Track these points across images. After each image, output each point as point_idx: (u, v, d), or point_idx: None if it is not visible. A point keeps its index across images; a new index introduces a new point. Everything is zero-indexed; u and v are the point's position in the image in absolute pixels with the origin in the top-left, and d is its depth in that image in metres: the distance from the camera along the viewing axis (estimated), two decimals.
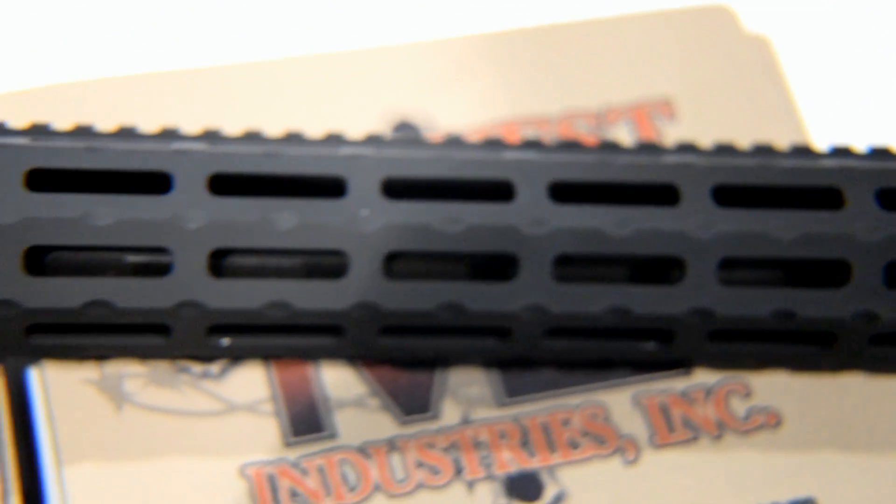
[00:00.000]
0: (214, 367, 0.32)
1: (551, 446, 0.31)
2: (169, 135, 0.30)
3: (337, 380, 0.32)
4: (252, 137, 0.30)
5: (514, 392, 0.32)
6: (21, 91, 0.34)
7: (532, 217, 0.29)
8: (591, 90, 0.37)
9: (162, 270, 0.29)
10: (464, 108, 0.37)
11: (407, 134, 0.36)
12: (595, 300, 0.30)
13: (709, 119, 0.37)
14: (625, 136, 0.36)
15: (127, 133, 0.30)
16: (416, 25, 0.41)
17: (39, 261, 0.29)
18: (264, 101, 0.36)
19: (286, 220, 0.29)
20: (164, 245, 0.28)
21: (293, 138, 0.31)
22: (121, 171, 0.29)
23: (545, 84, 0.37)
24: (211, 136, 0.30)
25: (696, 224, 0.30)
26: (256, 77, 0.37)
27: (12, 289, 0.28)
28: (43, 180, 0.29)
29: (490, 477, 0.31)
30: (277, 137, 0.30)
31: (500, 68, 0.38)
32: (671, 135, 0.37)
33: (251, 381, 0.32)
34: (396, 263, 0.30)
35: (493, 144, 0.31)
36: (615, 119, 0.37)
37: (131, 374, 0.31)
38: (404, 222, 0.29)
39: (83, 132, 0.30)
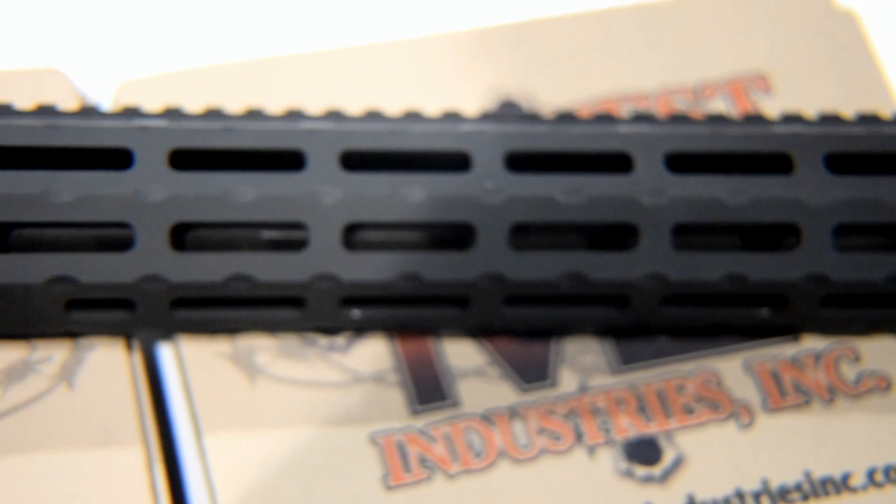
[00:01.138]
0: (340, 340, 0.33)
1: (667, 412, 0.32)
2: (296, 115, 0.31)
3: (457, 350, 0.33)
4: (375, 116, 0.31)
5: (628, 360, 0.33)
6: (147, 77, 0.36)
7: (651, 187, 0.30)
8: (687, 66, 0.38)
9: (298, 245, 0.30)
10: (564, 86, 0.38)
11: (513, 110, 0.38)
12: (713, 268, 0.31)
13: (803, 92, 0.38)
14: (722, 110, 0.37)
15: (256, 114, 0.31)
16: (513, 7, 0.42)
17: (181, 238, 0.31)
18: (382, 82, 0.37)
19: (415, 194, 0.30)
20: (301, 220, 0.29)
21: (413, 116, 0.32)
22: (257, 150, 0.30)
23: (643, 61, 0.38)
24: (336, 116, 0.31)
25: (810, 191, 0.31)
26: (372, 59, 0.38)
27: (160, 264, 0.29)
28: (182, 160, 0.30)
29: (609, 442, 0.32)
30: (398, 116, 0.32)
31: (598, 46, 0.38)
32: (767, 108, 0.37)
33: (376, 353, 0.33)
34: (517, 235, 0.31)
35: (606, 118, 0.32)
36: (712, 94, 0.38)
37: (262, 347, 0.33)
38: (528, 194, 0.30)
39: (214, 114, 0.31)
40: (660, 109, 0.37)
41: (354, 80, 0.37)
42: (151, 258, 0.29)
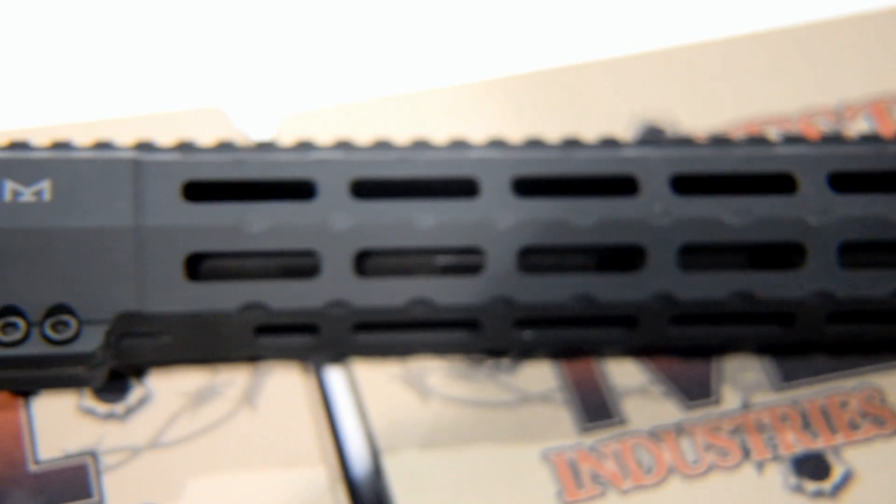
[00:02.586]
0: (506, 361, 0.34)
1: (832, 427, 0.33)
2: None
3: (620, 369, 0.34)
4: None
5: (789, 377, 0.34)
6: (305, 112, 0.37)
7: (817, 207, 0.31)
8: (828, 88, 0.39)
9: (473, 269, 0.31)
10: (706, 111, 0.39)
11: (653, 135, 0.38)
12: (880, 284, 0.31)
13: None
14: (867, 130, 0.38)
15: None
16: (648, 35, 0.43)
17: (362, 264, 0.32)
18: (511, 112, 0.38)
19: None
20: (476, 245, 0.31)
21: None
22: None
23: (784, 84, 0.39)
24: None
25: None
26: (502, 91, 0.39)
27: (344, 290, 0.30)
28: (362, 189, 0.31)
29: (777, 458, 0.33)
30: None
31: (739, 71, 0.39)
32: None
33: (541, 373, 0.34)
34: (685, 255, 0.32)
35: (761, 141, 0.33)
36: (853, 115, 0.38)
37: (432, 369, 0.34)
38: (696, 216, 0.31)
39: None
40: (802, 131, 0.38)
41: (484, 111, 0.38)
42: (337, 284, 0.30)
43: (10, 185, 0.29)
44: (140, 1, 0.42)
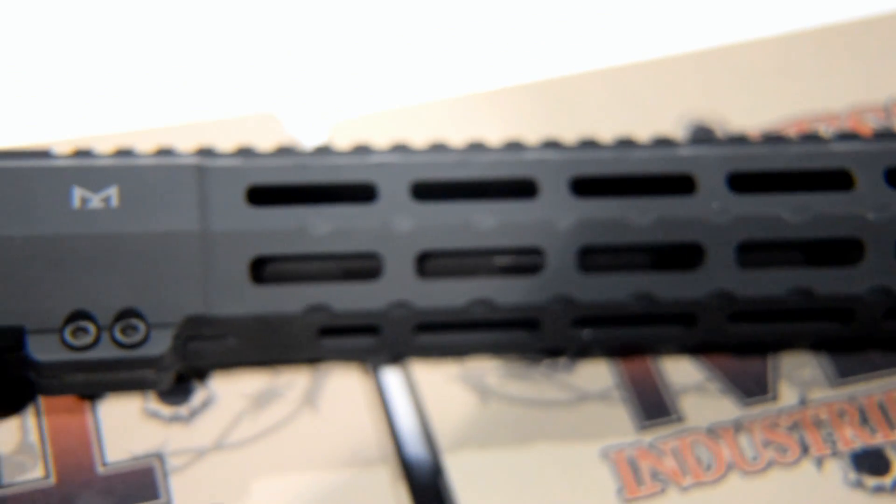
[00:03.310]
0: (562, 360, 0.34)
1: (891, 423, 0.33)
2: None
3: (675, 367, 0.34)
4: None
5: (845, 373, 0.34)
6: (356, 117, 0.38)
7: (875, 203, 0.31)
8: (877, 85, 0.39)
9: (532, 269, 0.31)
10: (755, 109, 0.39)
11: (705, 134, 0.39)
12: None
13: None
14: None
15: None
16: (694, 35, 0.43)
17: (422, 265, 0.32)
18: (562, 114, 0.39)
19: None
20: (536, 245, 0.31)
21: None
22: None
23: (832, 81, 0.39)
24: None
25: None
26: (550, 93, 0.39)
27: (406, 291, 0.31)
28: (421, 192, 0.31)
29: (836, 454, 0.33)
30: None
31: (787, 69, 0.39)
32: None
33: (597, 372, 0.34)
34: (743, 253, 0.32)
35: (815, 138, 0.33)
36: None
37: (489, 369, 0.34)
38: (754, 213, 0.31)
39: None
40: (852, 129, 0.38)
41: (537, 112, 0.39)
42: (399, 285, 0.31)
43: (78, 192, 0.30)
44: (177, 4, 0.43)
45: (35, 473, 0.31)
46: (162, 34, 0.43)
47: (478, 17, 0.45)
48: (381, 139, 0.35)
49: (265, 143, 0.35)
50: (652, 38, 0.44)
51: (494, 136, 0.36)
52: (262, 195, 0.31)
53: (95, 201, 0.30)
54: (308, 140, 0.39)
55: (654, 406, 0.34)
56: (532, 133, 0.37)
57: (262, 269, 0.32)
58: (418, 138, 0.36)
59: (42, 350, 0.29)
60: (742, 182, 0.32)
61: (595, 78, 0.40)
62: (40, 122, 0.40)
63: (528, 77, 0.40)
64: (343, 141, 0.37)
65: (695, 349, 0.34)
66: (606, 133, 0.37)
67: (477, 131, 0.37)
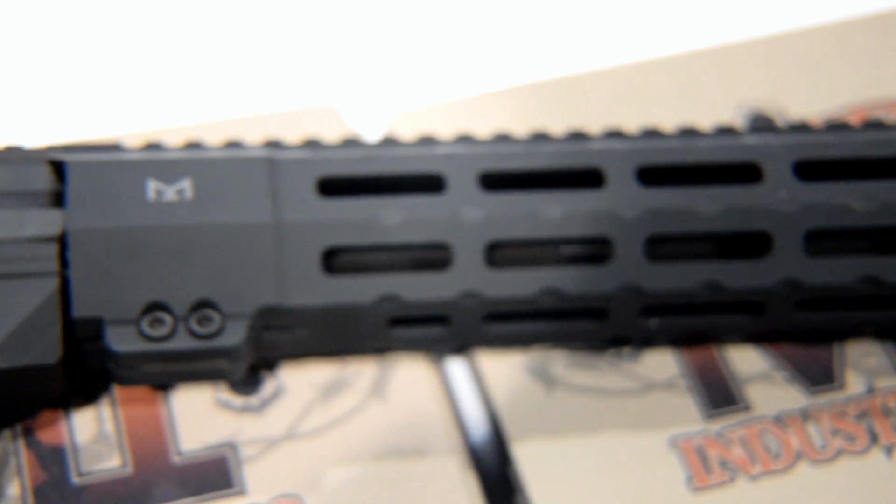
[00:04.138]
0: (627, 349, 0.34)
1: None
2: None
3: (740, 356, 0.34)
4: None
5: None
6: (417, 109, 0.38)
7: None
8: None
9: (599, 258, 0.32)
10: (812, 97, 0.39)
11: (765, 123, 0.39)
12: None
13: None
14: None
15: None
16: (754, 22, 0.43)
17: (491, 255, 0.32)
18: (625, 102, 0.39)
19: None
20: (604, 234, 0.31)
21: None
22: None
23: (890, 69, 0.39)
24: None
25: None
26: (614, 82, 0.39)
27: (476, 281, 0.31)
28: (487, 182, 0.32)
29: None
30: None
31: (844, 56, 0.39)
32: None
33: (663, 361, 0.34)
34: (810, 241, 0.32)
35: (879, 125, 0.33)
36: None
37: (554, 358, 0.34)
38: (822, 201, 0.31)
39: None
40: None
41: (598, 101, 0.39)
42: (469, 275, 0.31)
43: (153, 185, 0.30)
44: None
45: (112, 462, 0.31)
46: (218, 30, 0.44)
47: (533, 8, 0.45)
48: (440, 131, 0.35)
49: (326, 135, 0.36)
50: (710, 27, 0.44)
51: (554, 126, 0.36)
52: (331, 186, 0.31)
53: (170, 193, 0.30)
54: (368, 133, 0.39)
55: (720, 395, 0.34)
56: (592, 124, 0.37)
57: (332, 260, 0.32)
58: (478, 130, 0.36)
59: (120, 341, 0.29)
60: (808, 170, 0.32)
61: (653, 67, 0.40)
62: (107, 117, 0.41)
63: (586, 67, 0.40)
64: (402, 133, 0.37)
65: (761, 337, 0.35)
66: (666, 123, 0.37)
67: (537, 122, 0.37)
